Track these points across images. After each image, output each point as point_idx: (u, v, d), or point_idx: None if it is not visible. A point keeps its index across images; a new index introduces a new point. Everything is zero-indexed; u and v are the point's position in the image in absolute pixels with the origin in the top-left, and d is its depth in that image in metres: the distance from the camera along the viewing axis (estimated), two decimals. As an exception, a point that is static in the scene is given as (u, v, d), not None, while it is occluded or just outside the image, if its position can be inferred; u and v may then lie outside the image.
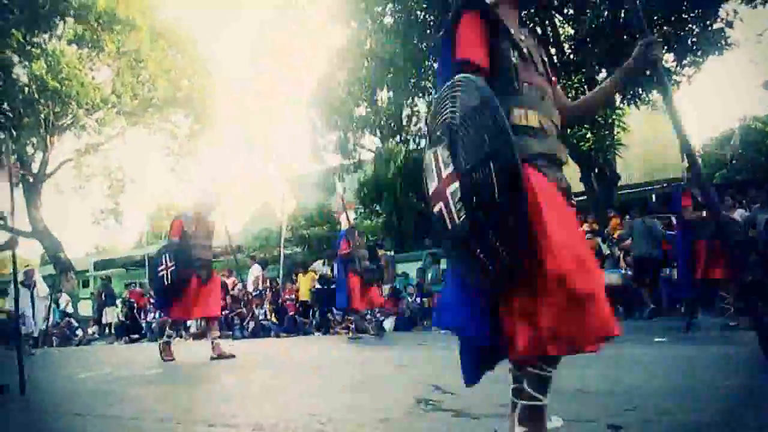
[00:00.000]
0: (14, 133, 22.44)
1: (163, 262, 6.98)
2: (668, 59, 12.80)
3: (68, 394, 5.01)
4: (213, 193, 7.65)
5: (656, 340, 5.77)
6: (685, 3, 11.70)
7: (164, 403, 3.92)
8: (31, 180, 22.80)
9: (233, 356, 6.84)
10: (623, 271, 9.98)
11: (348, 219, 9.15)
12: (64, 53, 20.50)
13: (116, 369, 7.12)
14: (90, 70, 22.57)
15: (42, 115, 21.36)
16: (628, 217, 10.82)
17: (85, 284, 26.29)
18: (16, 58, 20.38)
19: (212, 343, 7.01)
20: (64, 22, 21.80)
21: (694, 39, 12.06)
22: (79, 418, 3.59)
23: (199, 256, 7.08)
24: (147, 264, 18.11)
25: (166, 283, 6.92)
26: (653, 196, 16.68)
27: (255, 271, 15.30)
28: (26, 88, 20.66)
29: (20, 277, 10.94)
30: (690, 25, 12.09)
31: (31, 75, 19.73)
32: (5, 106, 21.68)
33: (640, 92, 13.16)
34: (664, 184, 17.46)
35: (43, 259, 32.51)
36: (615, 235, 10.76)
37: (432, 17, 13.74)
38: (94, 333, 17.13)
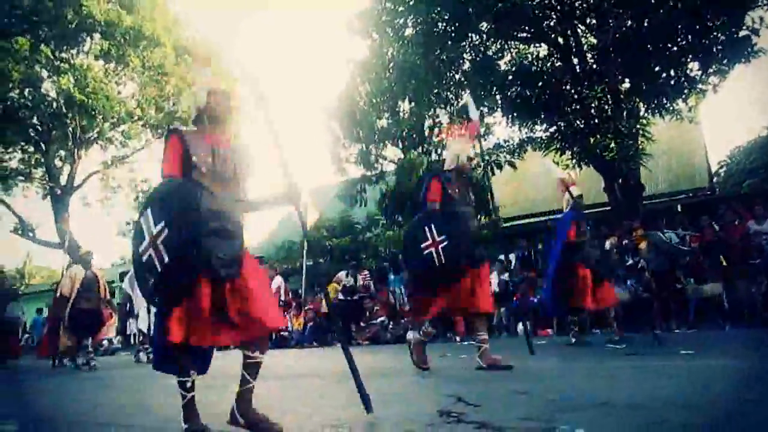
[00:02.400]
0: (43, 146, 22.91)
1: (429, 235, 5.15)
2: (693, 68, 12.66)
3: (92, 404, 5.05)
4: None
5: (682, 352, 5.67)
6: (710, 11, 11.56)
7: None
8: (59, 192, 23.22)
9: None
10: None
11: (572, 196, 7.83)
12: (91, 68, 20.92)
13: (139, 379, 7.18)
14: (116, 84, 23.01)
15: (70, 129, 21.80)
16: (640, 231, 10.77)
17: (111, 295, 26.56)
18: (45, 74, 20.80)
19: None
20: (91, 38, 22.30)
21: (720, 47, 11.90)
22: (102, 428, 3.62)
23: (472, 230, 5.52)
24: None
25: (435, 263, 5.07)
26: (679, 207, 16.44)
27: (277, 281, 15.36)
28: (54, 103, 21.08)
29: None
30: (715, 33, 11.94)
31: (59, 89, 20.13)
32: (35, 120, 22.12)
33: (665, 101, 13.01)
34: (690, 194, 17.21)
35: (70, 271, 32.95)
36: (641, 246, 10.61)
37: (453, 28, 13.76)
38: (118, 343, 17.28)
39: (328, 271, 16.41)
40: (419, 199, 5.71)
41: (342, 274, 14.07)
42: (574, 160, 14.03)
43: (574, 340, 7.78)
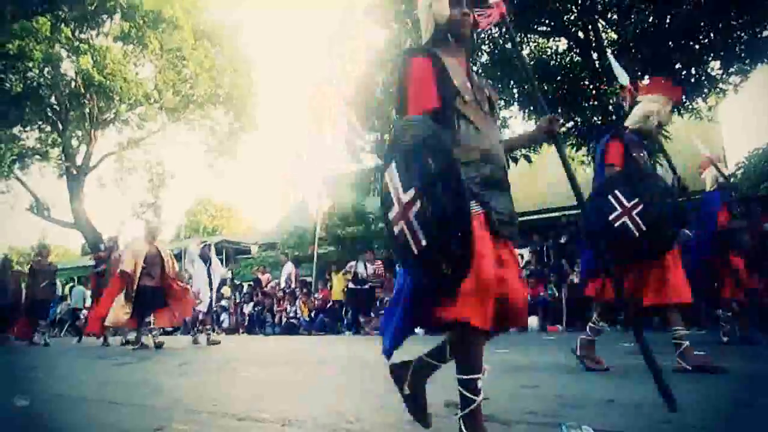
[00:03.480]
0: (60, 126, 23.11)
1: (616, 203, 4.20)
2: (714, 67, 12.51)
3: (104, 382, 5.12)
4: None
5: (695, 353, 5.63)
6: (733, 10, 11.40)
7: (195, 396, 3.97)
8: (74, 172, 23.43)
9: None
10: None
11: (721, 173, 6.92)
12: (110, 50, 21.03)
13: (151, 360, 7.26)
14: (134, 66, 23.12)
15: (87, 109, 21.98)
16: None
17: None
18: (64, 54, 20.93)
19: None
20: (111, 19, 22.42)
21: (742, 47, 11.76)
22: (114, 406, 3.66)
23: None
24: (183, 257, 18.37)
25: (634, 233, 4.11)
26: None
27: (288, 268, 15.43)
28: (73, 83, 21.23)
29: (196, 251, 10.76)
30: (738, 32, 11.79)
31: (78, 69, 20.26)
32: (53, 99, 22.29)
33: (684, 100, 12.88)
34: (707, 194, 17.04)
35: (84, 250, 33.37)
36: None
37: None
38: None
39: (339, 259, 16.46)
40: (595, 165, 4.81)
41: (353, 264, 14.07)
42: (590, 156, 13.96)
43: (726, 338, 6.72)
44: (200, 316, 10.89)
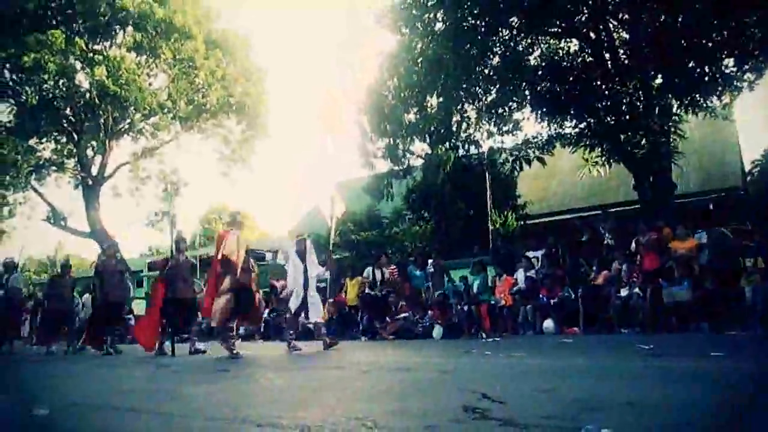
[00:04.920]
0: (75, 137, 23.36)
1: None
2: (728, 64, 12.41)
3: (122, 389, 5.15)
4: None
5: (713, 354, 5.57)
6: (747, 7, 11.31)
7: (214, 403, 3.98)
8: (90, 182, 23.67)
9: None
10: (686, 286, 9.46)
11: None
12: (124, 60, 21.22)
13: (167, 367, 7.29)
14: (147, 76, 23.30)
15: (102, 120, 22.23)
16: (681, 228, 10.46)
17: (140, 284, 27.01)
18: (78, 65, 21.16)
19: None
20: (123, 30, 22.66)
21: (756, 44, 11.65)
22: (132, 414, 3.68)
23: None
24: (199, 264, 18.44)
25: None
26: (711, 206, 16.16)
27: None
28: (87, 94, 21.45)
29: (292, 246, 8.89)
30: (751, 30, 11.69)
31: (92, 80, 20.46)
32: (68, 110, 22.54)
33: (698, 98, 12.78)
34: (722, 194, 16.89)
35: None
36: (676, 247, 10.27)
37: (482, 23, 13.67)
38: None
39: (354, 264, 16.46)
40: None
41: (369, 269, 13.96)
42: (603, 158, 13.88)
43: None
44: (312, 326, 9.78)
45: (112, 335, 11.12)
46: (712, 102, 13.21)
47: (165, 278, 9.94)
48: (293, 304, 9.06)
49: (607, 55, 13.65)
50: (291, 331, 9.37)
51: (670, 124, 12.73)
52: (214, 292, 8.30)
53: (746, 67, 12.21)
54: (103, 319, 10.93)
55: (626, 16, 13.30)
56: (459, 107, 17.18)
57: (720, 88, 12.70)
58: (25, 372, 8.40)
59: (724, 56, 12.27)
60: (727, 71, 12.49)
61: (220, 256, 8.21)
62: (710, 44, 12.14)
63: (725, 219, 11.02)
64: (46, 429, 3.42)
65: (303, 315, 9.16)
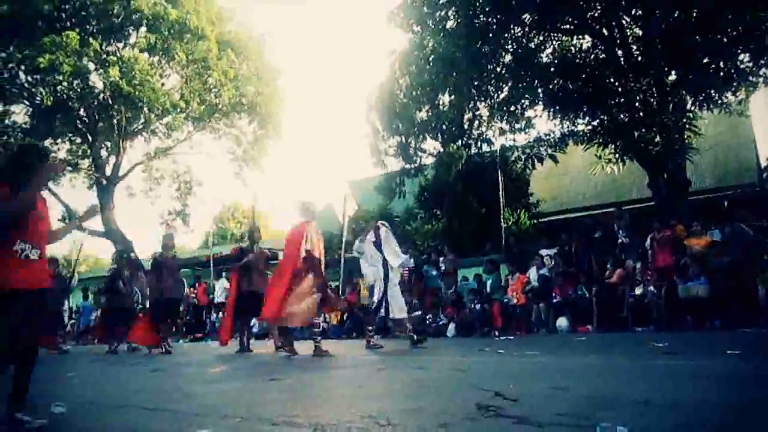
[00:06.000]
0: (90, 137, 23.55)
1: None
2: (744, 59, 12.28)
3: (137, 388, 5.20)
4: None
5: (728, 352, 5.53)
6: (762, 1, 11.19)
7: (227, 402, 4.01)
8: (104, 182, 23.85)
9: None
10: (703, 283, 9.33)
11: None
12: (137, 60, 21.33)
13: (184, 366, 7.34)
14: (160, 76, 23.43)
15: (115, 120, 22.38)
16: (696, 224, 10.39)
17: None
18: (92, 66, 21.31)
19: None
20: (137, 31, 22.79)
21: (772, 38, 11.54)
22: (147, 412, 3.72)
23: None
24: (212, 264, 18.54)
25: None
26: (726, 203, 16.00)
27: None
28: (101, 94, 21.61)
29: (371, 236, 8.60)
30: (766, 24, 11.56)
31: (106, 81, 20.61)
32: (82, 111, 22.72)
33: (713, 94, 12.66)
34: (738, 190, 16.73)
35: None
36: (692, 244, 10.19)
37: (494, 20, 13.62)
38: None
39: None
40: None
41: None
42: (617, 155, 13.79)
43: None
44: (393, 323, 9.10)
45: (169, 333, 10.61)
46: (726, 98, 13.09)
47: (240, 270, 9.37)
48: (374, 298, 8.38)
49: (619, 52, 13.55)
50: (369, 328, 8.88)
51: (685, 120, 12.63)
52: (285, 294, 7.26)
53: (762, 62, 12.09)
54: (160, 317, 10.29)
55: (639, 12, 13.19)
56: (471, 105, 17.14)
57: (735, 84, 12.57)
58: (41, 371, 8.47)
59: (738, 51, 12.14)
60: (741, 66, 12.37)
61: (304, 253, 7.40)
62: (725, 39, 12.02)
63: (740, 216, 10.88)
64: (65, 427, 3.46)
65: (383, 311, 8.35)
